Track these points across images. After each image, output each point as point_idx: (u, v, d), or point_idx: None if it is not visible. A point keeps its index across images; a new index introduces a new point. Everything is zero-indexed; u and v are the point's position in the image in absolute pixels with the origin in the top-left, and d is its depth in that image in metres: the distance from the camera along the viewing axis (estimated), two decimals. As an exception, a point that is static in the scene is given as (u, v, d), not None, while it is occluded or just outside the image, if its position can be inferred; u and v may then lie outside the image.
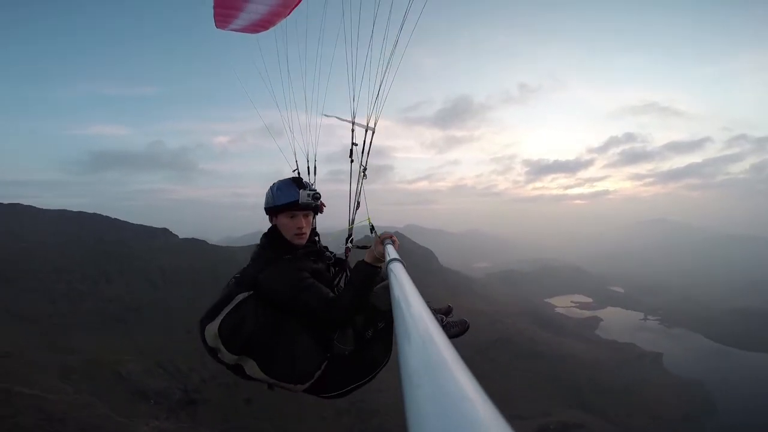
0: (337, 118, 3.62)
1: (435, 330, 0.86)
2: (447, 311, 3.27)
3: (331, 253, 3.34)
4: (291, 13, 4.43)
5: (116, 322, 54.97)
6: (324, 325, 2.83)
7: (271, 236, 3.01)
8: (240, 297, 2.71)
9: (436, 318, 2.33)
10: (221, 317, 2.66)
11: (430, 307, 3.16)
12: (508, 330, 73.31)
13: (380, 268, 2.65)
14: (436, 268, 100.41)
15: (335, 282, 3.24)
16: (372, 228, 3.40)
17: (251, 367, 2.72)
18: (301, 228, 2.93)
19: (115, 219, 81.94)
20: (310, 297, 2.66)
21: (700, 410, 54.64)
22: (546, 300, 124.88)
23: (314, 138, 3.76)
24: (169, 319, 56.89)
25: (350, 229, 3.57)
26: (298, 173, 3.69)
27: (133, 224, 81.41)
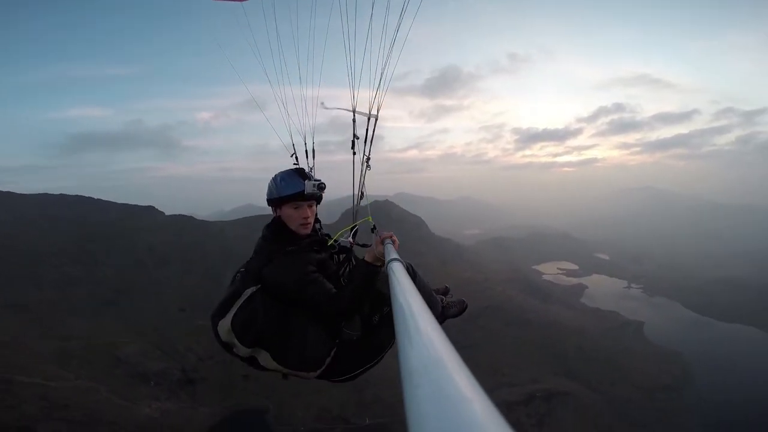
0: (337, 109, 3.47)
1: (435, 330, 0.86)
2: (445, 291, 3.47)
3: (335, 242, 3.26)
4: None
5: (108, 304, 54.55)
6: (327, 318, 2.84)
7: (275, 228, 2.99)
8: (249, 291, 2.74)
9: (436, 315, 2.89)
10: (233, 312, 2.70)
11: (430, 290, 3.12)
12: (498, 297, 74.27)
13: (380, 267, 2.65)
14: (427, 236, 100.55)
15: (341, 271, 3.26)
16: (373, 227, 3.34)
17: (265, 359, 2.77)
18: (306, 218, 2.95)
19: (99, 200, 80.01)
20: (314, 291, 2.70)
21: (681, 381, 56.39)
22: (534, 267, 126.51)
23: (311, 121, 3.64)
24: (161, 297, 56.31)
25: (354, 224, 3.49)
26: (296, 158, 3.71)
27: (117, 204, 79.81)
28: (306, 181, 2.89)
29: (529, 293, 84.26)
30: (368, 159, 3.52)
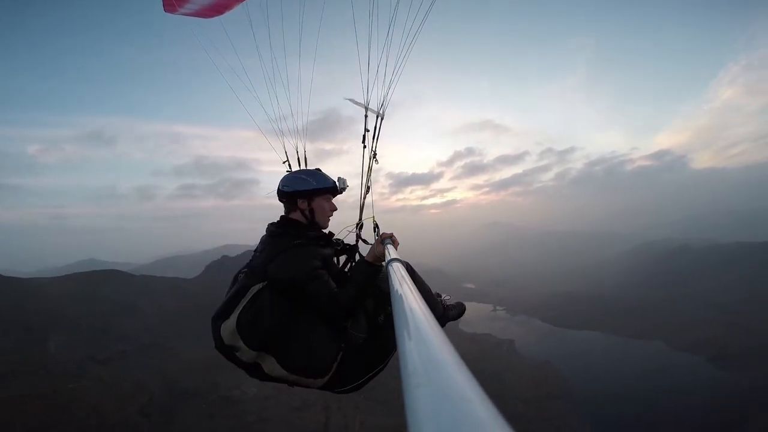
0: (354, 102, 3.43)
1: (435, 330, 0.85)
2: (437, 296, 3.33)
3: (339, 240, 3.21)
4: None
5: None
6: (329, 318, 2.69)
7: (284, 223, 2.92)
8: (254, 289, 2.56)
9: (438, 316, 2.87)
10: (238, 311, 2.51)
11: (430, 290, 3.12)
12: None
13: (381, 267, 2.65)
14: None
15: (345, 269, 3.18)
16: (375, 226, 3.30)
17: (270, 364, 2.56)
18: (333, 211, 3.02)
19: None
20: (317, 288, 2.58)
21: (559, 388, 60.39)
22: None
23: (303, 128, 3.66)
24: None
25: (360, 218, 3.40)
26: (289, 165, 3.66)
27: None
28: (338, 178, 3.04)
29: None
30: (375, 154, 3.44)
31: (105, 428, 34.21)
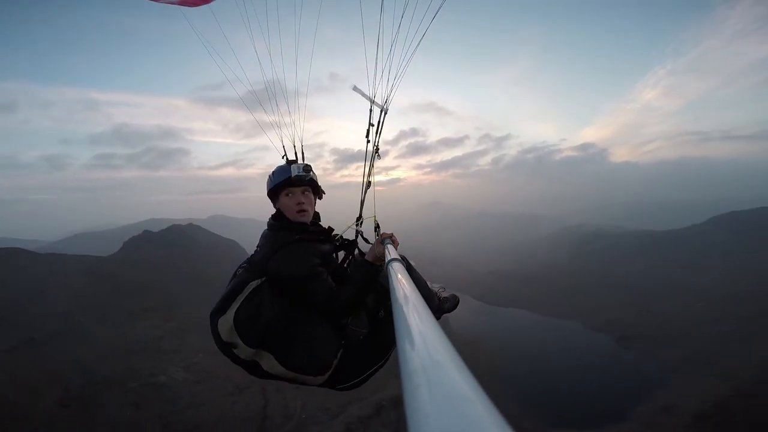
0: (360, 93, 3.17)
1: (435, 330, 0.85)
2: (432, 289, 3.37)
3: (338, 235, 3.08)
4: None
5: None
6: (329, 315, 2.61)
7: (278, 218, 2.83)
8: (253, 284, 2.50)
9: (433, 309, 2.49)
10: (235, 307, 2.43)
11: (426, 284, 3.17)
12: None
13: (381, 266, 2.57)
14: (243, 258, 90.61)
15: (345, 265, 3.09)
16: (377, 226, 3.22)
17: (268, 361, 2.47)
18: (301, 204, 2.83)
19: None
20: (316, 285, 2.52)
21: (488, 365, 62.49)
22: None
23: (300, 118, 3.51)
24: None
25: (360, 213, 3.29)
26: (287, 158, 3.31)
27: None
28: (292, 166, 2.85)
29: None
30: (377, 149, 3.27)
31: (20, 422, 29.32)
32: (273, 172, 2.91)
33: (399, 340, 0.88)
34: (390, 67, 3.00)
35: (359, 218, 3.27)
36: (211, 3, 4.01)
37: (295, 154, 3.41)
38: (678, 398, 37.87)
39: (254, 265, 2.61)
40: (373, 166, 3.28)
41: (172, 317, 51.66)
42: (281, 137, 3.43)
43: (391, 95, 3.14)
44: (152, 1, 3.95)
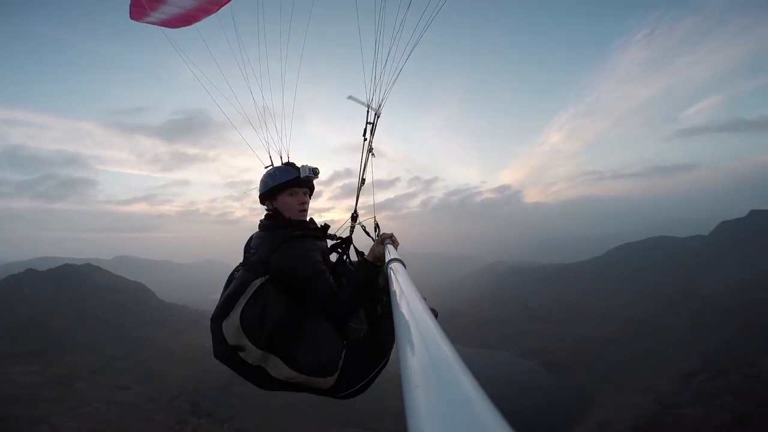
0: (356, 100, 3.26)
1: (435, 330, 0.84)
2: None
3: (334, 234, 3.07)
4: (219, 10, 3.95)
5: None
6: (326, 314, 2.49)
7: (276, 217, 2.78)
8: (256, 283, 2.38)
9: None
10: (240, 308, 2.31)
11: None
12: None
13: (381, 267, 2.49)
14: (154, 305, 79.98)
15: (341, 262, 3.00)
16: (376, 226, 3.13)
17: (275, 366, 2.31)
18: (303, 203, 2.85)
19: None
20: (320, 284, 2.42)
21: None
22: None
23: (287, 126, 3.44)
24: None
25: (355, 209, 3.22)
26: (272, 166, 3.26)
27: None
28: (301, 167, 2.85)
29: None
30: (371, 149, 3.20)
31: None
32: (275, 170, 2.88)
33: (399, 340, 0.85)
34: (382, 78, 3.14)
35: (354, 214, 3.21)
36: (191, 25, 4.06)
37: (281, 160, 3.27)
38: (610, 414, 37.61)
39: (254, 265, 2.49)
40: (367, 162, 3.21)
41: (58, 362, 43.24)
42: (268, 149, 3.33)
43: (383, 102, 3.24)
44: (134, 21, 3.93)
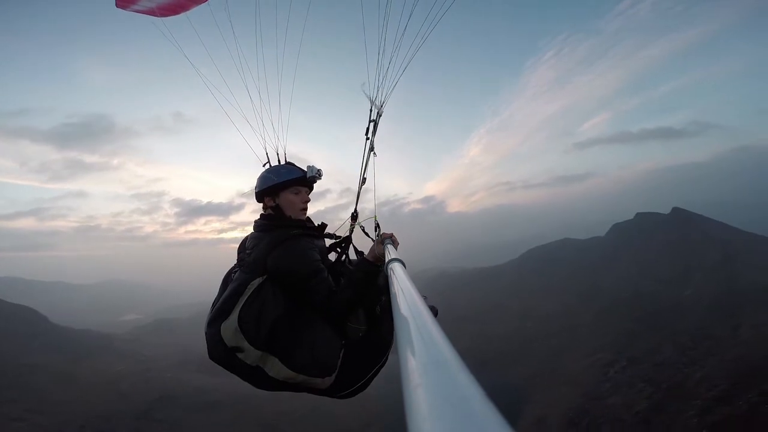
0: (365, 93, 3.15)
1: (435, 329, 0.82)
2: None
3: (333, 233, 3.07)
4: None
5: None
6: (324, 314, 2.45)
7: (274, 215, 2.72)
8: (255, 283, 2.33)
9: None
10: (238, 309, 2.26)
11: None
12: (170, 384, 58.30)
13: (381, 267, 2.43)
14: (46, 330, 69.19)
15: (339, 261, 2.97)
16: (377, 226, 3.11)
17: (273, 366, 2.27)
18: (306, 202, 2.83)
19: None
20: (318, 283, 2.38)
21: (373, 414, 56.64)
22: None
23: (284, 124, 3.33)
24: None
25: (355, 208, 3.17)
26: (269, 165, 3.24)
27: None
28: (308, 166, 2.83)
29: (211, 373, 71.19)
30: (372, 147, 3.08)
31: None
32: (276, 170, 2.83)
33: (399, 340, 0.84)
34: (386, 77, 3.04)
35: (354, 214, 3.15)
36: (188, 11, 3.96)
37: (278, 161, 3.21)
38: (544, 410, 39.12)
39: (251, 266, 2.41)
40: (366, 161, 3.09)
41: None
42: (265, 147, 3.24)
43: (386, 101, 3.12)
44: (121, 9, 3.80)
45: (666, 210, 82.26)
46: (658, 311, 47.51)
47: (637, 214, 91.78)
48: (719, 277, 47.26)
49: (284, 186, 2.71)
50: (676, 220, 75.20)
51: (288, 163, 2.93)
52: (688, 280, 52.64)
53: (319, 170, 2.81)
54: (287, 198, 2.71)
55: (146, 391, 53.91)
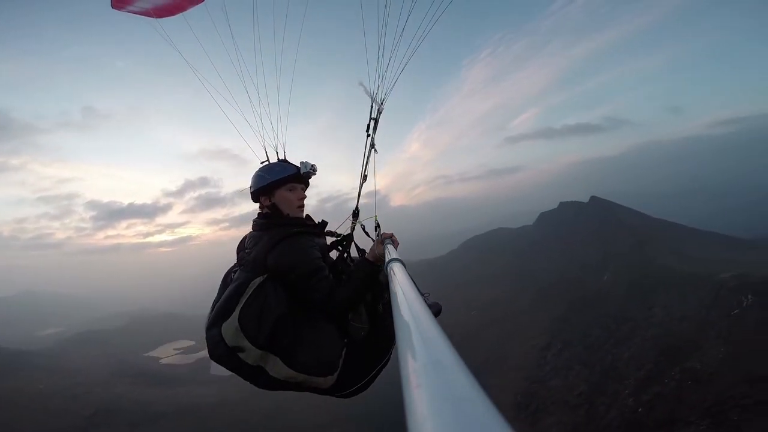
0: (364, 89, 3.04)
1: (435, 330, 0.82)
2: None
3: (333, 231, 2.97)
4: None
5: None
6: (324, 312, 2.42)
7: (272, 213, 2.66)
8: (257, 281, 2.29)
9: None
10: (239, 308, 2.22)
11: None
12: (106, 398, 55.06)
13: (381, 266, 2.42)
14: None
15: (341, 259, 2.87)
16: (377, 226, 3.01)
17: (274, 365, 2.21)
18: (302, 199, 2.76)
19: None
20: (319, 281, 2.35)
21: (331, 413, 55.50)
22: (147, 354, 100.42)
23: (283, 121, 3.20)
24: None
25: (356, 206, 3.05)
26: (268, 161, 3.14)
27: None
28: (301, 162, 2.76)
29: (149, 384, 66.28)
30: (373, 145, 3.00)
31: None
32: (272, 165, 2.79)
33: (399, 340, 0.83)
34: (387, 68, 2.98)
35: (355, 212, 3.05)
36: (185, 11, 3.90)
37: (277, 157, 3.05)
38: (496, 396, 41.15)
39: (251, 264, 2.38)
40: (366, 158, 3.01)
41: None
42: (263, 144, 3.10)
43: (386, 97, 3.06)
44: (116, 10, 3.72)
45: (585, 199, 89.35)
46: (583, 296, 52.16)
47: (561, 203, 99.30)
48: (633, 261, 52.61)
49: (279, 184, 2.66)
50: (594, 207, 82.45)
51: (282, 161, 2.86)
52: (606, 265, 58.27)
53: (313, 165, 2.77)
54: (283, 196, 2.67)
55: (82, 407, 50.50)
